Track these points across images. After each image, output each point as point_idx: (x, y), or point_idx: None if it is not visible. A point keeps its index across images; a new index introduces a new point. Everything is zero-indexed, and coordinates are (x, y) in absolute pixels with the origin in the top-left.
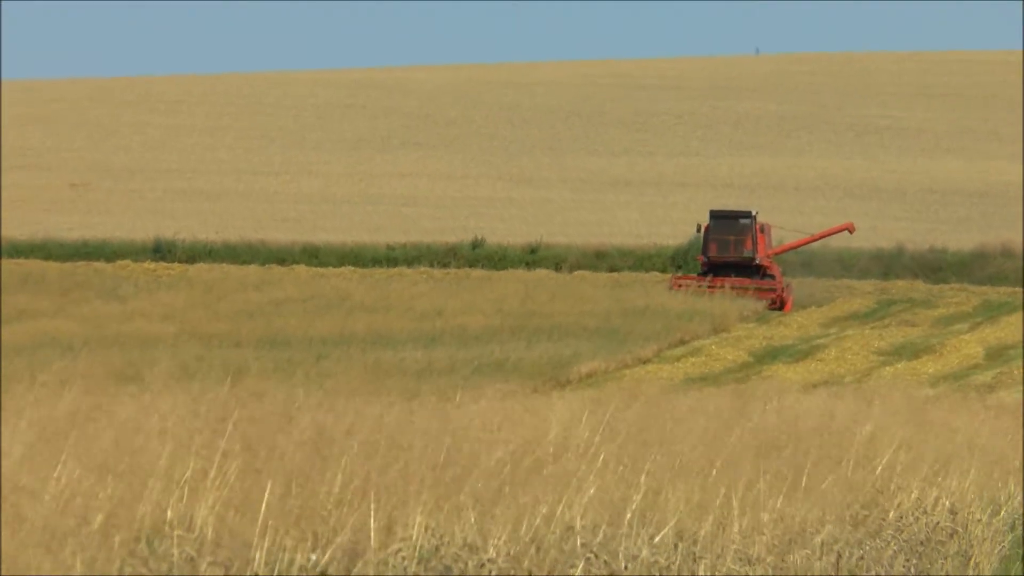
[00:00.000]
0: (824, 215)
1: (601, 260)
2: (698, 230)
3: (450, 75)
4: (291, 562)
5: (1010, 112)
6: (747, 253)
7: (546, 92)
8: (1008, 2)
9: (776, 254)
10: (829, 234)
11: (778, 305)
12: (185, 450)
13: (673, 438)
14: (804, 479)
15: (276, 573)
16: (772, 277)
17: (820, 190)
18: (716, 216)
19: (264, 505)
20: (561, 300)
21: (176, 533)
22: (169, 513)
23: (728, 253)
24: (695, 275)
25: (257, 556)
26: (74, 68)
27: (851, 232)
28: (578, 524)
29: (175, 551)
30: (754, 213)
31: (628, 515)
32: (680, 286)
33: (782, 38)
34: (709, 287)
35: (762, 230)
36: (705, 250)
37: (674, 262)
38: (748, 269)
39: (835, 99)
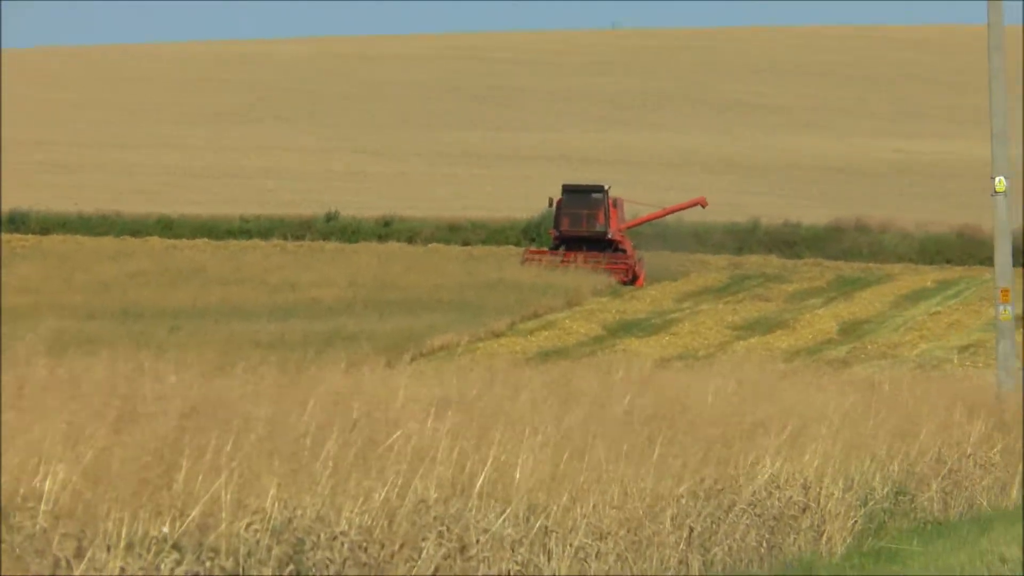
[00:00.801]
0: (682, 190)
1: (455, 233)
2: (550, 204)
3: (308, 48)
4: (144, 534)
5: (869, 89)
6: (599, 227)
7: (402, 66)
8: None
9: (629, 228)
10: (681, 208)
11: (630, 279)
12: (42, 422)
13: (524, 412)
14: (656, 453)
15: (128, 544)
16: (624, 251)
17: (677, 165)
18: (569, 190)
19: (119, 477)
20: (415, 273)
21: (30, 505)
22: (23, 487)
23: (580, 227)
24: (548, 249)
25: (110, 527)
26: None
27: (703, 207)
28: (431, 497)
29: (29, 523)
30: (606, 187)
31: (479, 489)
32: (532, 260)
33: (640, 12)
34: (562, 261)
35: (615, 204)
36: (557, 224)
37: (527, 236)
38: (600, 243)
39: (693, 74)
